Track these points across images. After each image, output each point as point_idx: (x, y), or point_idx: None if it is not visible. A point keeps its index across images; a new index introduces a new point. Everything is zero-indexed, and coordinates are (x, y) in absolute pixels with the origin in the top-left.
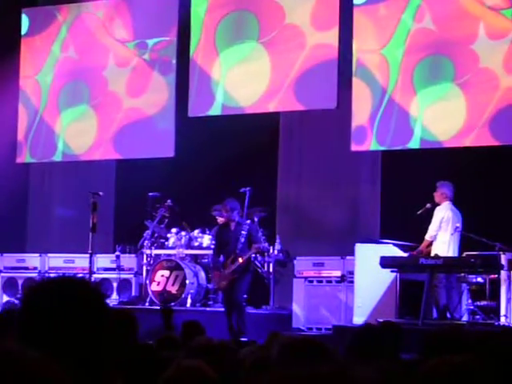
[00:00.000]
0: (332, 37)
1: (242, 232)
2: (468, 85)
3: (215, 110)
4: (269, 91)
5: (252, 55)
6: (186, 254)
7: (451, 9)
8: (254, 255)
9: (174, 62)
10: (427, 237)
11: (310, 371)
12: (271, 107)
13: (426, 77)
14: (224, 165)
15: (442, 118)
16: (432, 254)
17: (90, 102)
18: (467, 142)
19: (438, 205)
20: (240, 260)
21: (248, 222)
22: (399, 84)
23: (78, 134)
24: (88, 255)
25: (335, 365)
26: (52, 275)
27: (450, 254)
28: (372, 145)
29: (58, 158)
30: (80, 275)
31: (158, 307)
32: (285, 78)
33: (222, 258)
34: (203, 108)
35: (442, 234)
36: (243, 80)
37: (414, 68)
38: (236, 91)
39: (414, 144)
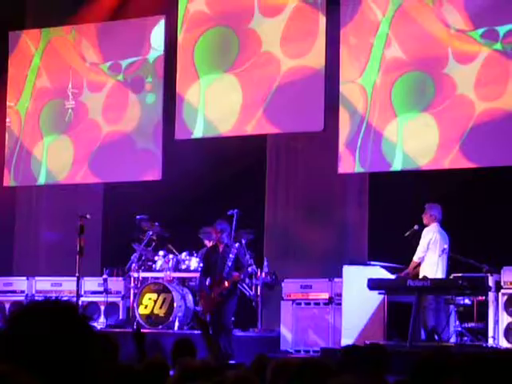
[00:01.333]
0: (316, 60)
1: (230, 256)
2: (442, 111)
3: (197, 134)
4: (247, 117)
5: (227, 82)
6: (174, 277)
7: (418, 36)
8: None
9: (150, 80)
10: (415, 258)
11: None
12: (250, 130)
13: (405, 94)
14: (211, 187)
15: (418, 142)
16: (420, 276)
17: (68, 128)
18: (445, 165)
19: (426, 226)
20: (226, 284)
21: (237, 245)
22: (378, 111)
23: (59, 161)
24: (75, 278)
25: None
26: (38, 298)
27: (439, 276)
28: (356, 169)
29: (41, 182)
30: (65, 298)
31: (146, 330)
32: (261, 102)
33: (208, 280)
34: (186, 132)
35: (430, 256)
36: (221, 106)
37: (391, 89)
38: (214, 118)
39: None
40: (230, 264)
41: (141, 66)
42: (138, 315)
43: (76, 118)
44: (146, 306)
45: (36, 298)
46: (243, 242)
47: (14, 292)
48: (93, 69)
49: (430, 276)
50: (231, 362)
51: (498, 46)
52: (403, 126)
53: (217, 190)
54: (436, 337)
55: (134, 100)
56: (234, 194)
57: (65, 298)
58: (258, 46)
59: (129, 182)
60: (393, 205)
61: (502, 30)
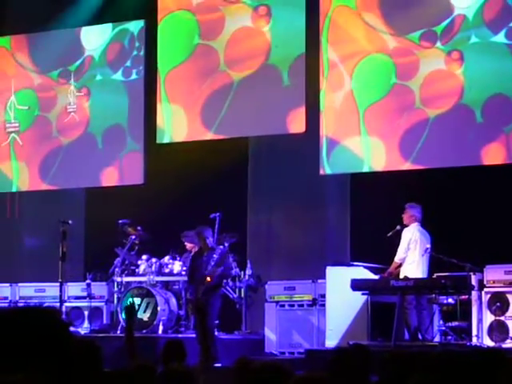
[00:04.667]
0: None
1: (214, 256)
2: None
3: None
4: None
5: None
6: (157, 281)
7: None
8: (225, 281)
9: (99, 78)
10: (396, 259)
11: None
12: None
13: (366, 78)
14: (194, 191)
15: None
16: (401, 276)
17: (31, 139)
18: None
19: (407, 226)
20: (208, 279)
21: (221, 247)
22: (339, 125)
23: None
24: (58, 284)
25: None
26: (21, 305)
27: (419, 275)
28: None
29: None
30: (46, 304)
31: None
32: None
33: (193, 287)
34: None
35: (411, 255)
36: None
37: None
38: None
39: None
40: (212, 263)
41: (90, 63)
42: (121, 320)
43: (39, 131)
44: None
45: (19, 304)
46: (226, 245)
47: None
48: (43, 77)
49: (411, 276)
50: (216, 364)
51: (438, 45)
52: (366, 140)
53: (199, 193)
54: (419, 336)
55: (84, 103)
56: (216, 197)
57: (46, 305)
58: (214, 61)
59: (108, 186)
60: (375, 205)
61: (438, 29)
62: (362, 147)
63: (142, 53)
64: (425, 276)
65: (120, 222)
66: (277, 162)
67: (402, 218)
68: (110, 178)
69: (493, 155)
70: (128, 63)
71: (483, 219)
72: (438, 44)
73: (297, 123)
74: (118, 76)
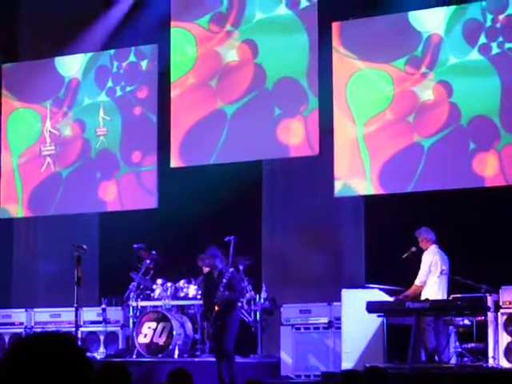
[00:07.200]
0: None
1: (223, 280)
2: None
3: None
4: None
5: None
6: (172, 305)
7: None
8: (240, 303)
9: (88, 102)
10: (417, 282)
11: None
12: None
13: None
14: (208, 214)
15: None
16: (422, 298)
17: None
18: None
19: (425, 249)
20: (216, 308)
21: (231, 270)
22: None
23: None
24: (74, 309)
25: None
26: (38, 330)
27: (439, 297)
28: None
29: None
30: (63, 330)
31: (146, 359)
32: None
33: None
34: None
35: (431, 278)
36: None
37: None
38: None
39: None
40: (221, 289)
41: (77, 87)
42: (137, 344)
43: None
44: (145, 335)
45: (35, 329)
46: (241, 268)
47: (12, 324)
48: (39, 108)
49: (431, 298)
50: None
51: (424, 70)
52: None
53: (214, 217)
54: (436, 358)
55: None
56: (231, 221)
57: (63, 330)
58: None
59: (124, 211)
60: (389, 227)
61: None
62: (366, 187)
63: (121, 71)
64: (444, 297)
65: (135, 246)
66: (291, 185)
67: (420, 244)
68: (112, 201)
69: (488, 170)
70: (110, 83)
71: (498, 240)
72: (424, 69)
73: (307, 145)
74: (103, 97)
